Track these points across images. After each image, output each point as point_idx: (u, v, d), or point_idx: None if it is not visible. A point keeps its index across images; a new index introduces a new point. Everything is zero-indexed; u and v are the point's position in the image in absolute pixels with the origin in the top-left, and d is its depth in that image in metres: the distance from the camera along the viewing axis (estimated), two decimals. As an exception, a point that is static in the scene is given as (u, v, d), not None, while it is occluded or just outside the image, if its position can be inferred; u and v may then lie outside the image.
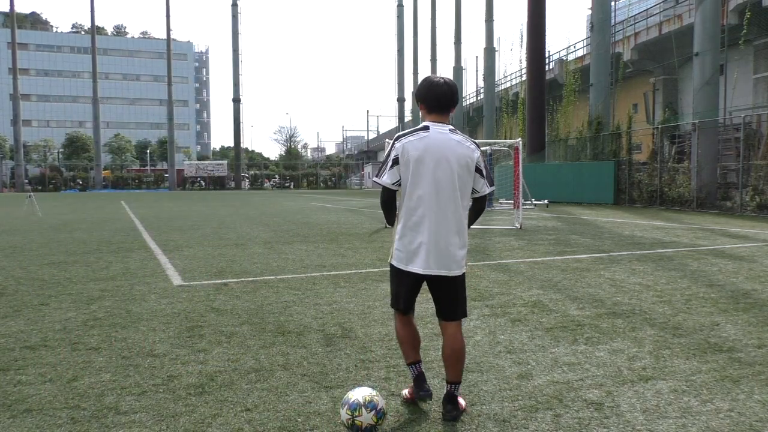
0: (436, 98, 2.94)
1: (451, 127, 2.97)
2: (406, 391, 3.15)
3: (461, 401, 3.00)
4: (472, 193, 3.02)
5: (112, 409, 3.05)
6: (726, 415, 2.94)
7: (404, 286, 3.01)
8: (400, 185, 2.93)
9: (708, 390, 3.28)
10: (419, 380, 3.01)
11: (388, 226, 3.12)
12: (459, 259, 2.94)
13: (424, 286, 3.07)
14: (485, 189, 3.04)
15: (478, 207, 3.12)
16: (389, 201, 3.00)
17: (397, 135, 3.02)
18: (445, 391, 2.99)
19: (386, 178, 2.91)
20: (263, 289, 6.24)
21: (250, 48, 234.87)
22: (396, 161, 2.89)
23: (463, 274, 3.00)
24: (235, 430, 2.81)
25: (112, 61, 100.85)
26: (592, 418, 2.90)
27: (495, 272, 7.22)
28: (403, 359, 3.35)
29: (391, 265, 3.05)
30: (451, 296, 2.98)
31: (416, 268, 2.91)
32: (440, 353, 3.25)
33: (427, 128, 2.93)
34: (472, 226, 3.22)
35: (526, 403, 3.10)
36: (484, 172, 3.00)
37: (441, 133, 2.91)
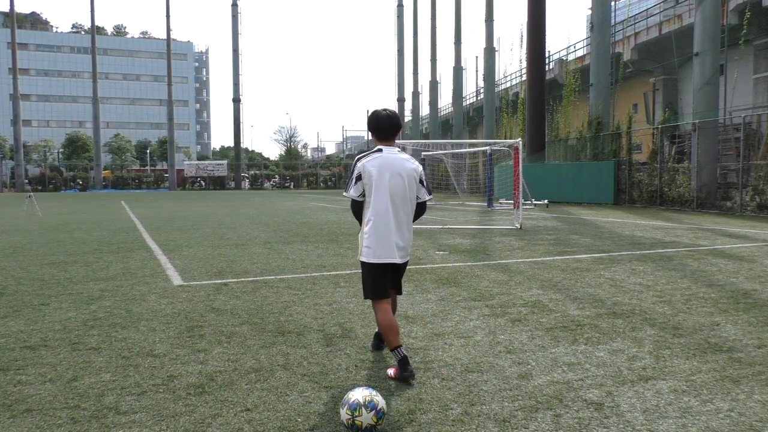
0: (384, 128, 3.69)
1: (399, 149, 3.75)
2: (391, 371, 3.54)
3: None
4: (416, 199, 3.78)
5: (112, 409, 3.05)
6: (726, 415, 2.94)
7: (380, 276, 3.65)
8: (364, 197, 3.65)
9: (708, 390, 3.28)
10: (404, 363, 3.46)
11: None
12: (410, 249, 3.77)
13: None
14: (425, 196, 3.80)
15: (419, 211, 3.84)
16: (358, 210, 3.74)
17: (357, 157, 3.74)
18: (376, 331, 3.95)
19: (352, 192, 3.67)
20: (263, 289, 6.25)
21: (250, 48, 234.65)
22: (359, 178, 3.63)
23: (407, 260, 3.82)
24: (235, 430, 2.81)
25: (112, 61, 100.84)
26: (592, 418, 2.90)
27: (495, 272, 7.22)
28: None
29: (363, 263, 3.66)
30: (400, 276, 3.83)
31: (389, 259, 3.61)
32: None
33: (380, 150, 3.66)
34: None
35: (526, 403, 3.10)
36: (425, 183, 3.78)
37: (392, 153, 3.66)
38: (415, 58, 60.30)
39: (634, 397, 3.18)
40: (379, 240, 3.59)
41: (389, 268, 3.66)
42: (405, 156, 3.72)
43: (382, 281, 3.65)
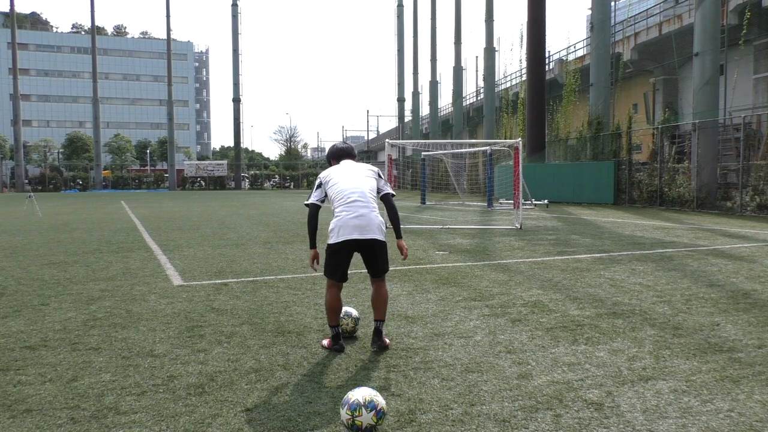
0: (338, 155, 4.38)
1: (354, 162, 4.33)
2: (325, 342, 4.12)
3: (386, 339, 4.11)
4: (378, 192, 4.19)
5: (112, 409, 3.05)
6: (726, 415, 2.94)
7: (342, 257, 4.03)
8: (322, 201, 4.16)
9: (708, 390, 3.28)
10: (337, 338, 4.07)
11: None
12: (381, 228, 4.04)
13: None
14: (386, 188, 4.24)
15: (389, 205, 4.22)
16: (312, 217, 4.18)
17: (322, 173, 4.27)
18: (374, 327, 4.11)
19: (313, 198, 4.16)
20: (263, 289, 6.24)
21: (250, 48, 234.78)
22: (320, 185, 4.17)
23: (385, 242, 4.10)
24: (235, 430, 2.81)
25: (112, 61, 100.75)
26: (592, 418, 2.90)
27: (495, 272, 7.22)
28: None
29: (329, 245, 4.04)
30: (378, 259, 4.09)
31: (346, 237, 3.96)
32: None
33: (338, 163, 4.31)
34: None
35: (526, 403, 3.10)
36: (384, 178, 4.27)
37: (347, 162, 4.29)
38: (415, 58, 60.24)
39: (634, 397, 3.18)
40: (338, 225, 4.01)
41: (350, 248, 4.01)
42: (361, 163, 4.32)
43: (345, 262, 4.05)
